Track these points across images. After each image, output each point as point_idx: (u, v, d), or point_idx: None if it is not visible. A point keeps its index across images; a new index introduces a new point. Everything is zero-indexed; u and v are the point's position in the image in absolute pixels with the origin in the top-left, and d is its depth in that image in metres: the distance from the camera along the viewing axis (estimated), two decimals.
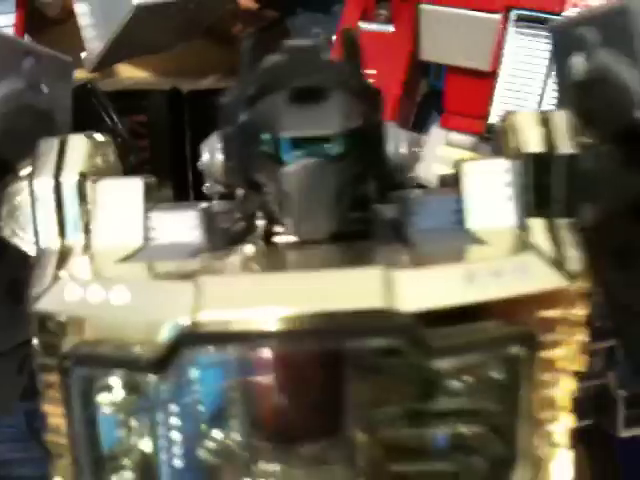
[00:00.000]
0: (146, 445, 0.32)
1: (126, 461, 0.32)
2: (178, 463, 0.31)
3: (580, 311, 0.33)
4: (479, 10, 0.59)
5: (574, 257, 0.33)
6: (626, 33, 0.35)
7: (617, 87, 0.36)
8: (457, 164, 0.36)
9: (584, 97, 0.39)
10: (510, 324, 0.31)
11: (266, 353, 0.30)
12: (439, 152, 0.64)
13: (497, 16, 0.58)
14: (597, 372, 0.48)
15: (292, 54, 0.33)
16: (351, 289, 0.30)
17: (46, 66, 0.44)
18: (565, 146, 0.35)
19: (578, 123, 0.36)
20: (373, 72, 0.61)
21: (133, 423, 0.32)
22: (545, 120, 0.36)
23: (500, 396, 0.31)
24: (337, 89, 0.33)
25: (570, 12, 0.55)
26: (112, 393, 0.31)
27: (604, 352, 0.47)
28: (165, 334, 0.30)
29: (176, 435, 0.31)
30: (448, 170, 0.38)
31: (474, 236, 0.35)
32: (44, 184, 0.36)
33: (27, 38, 0.62)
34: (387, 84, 0.62)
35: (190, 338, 0.30)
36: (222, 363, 0.31)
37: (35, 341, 0.33)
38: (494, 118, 0.58)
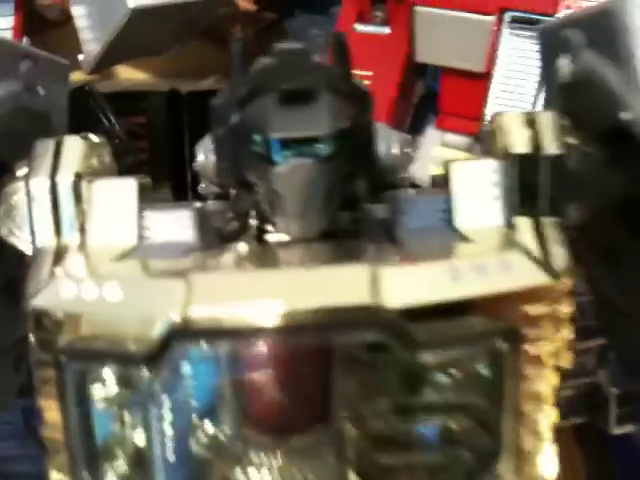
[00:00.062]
0: (139, 438, 0.32)
1: (120, 454, 0.33)
2: (171, 456, 0.32)
3: (565, 308, 0.33)
4: (473, 12, 0.59)
5: (559, 255, 0.33)
6: (610, 35, 0.36)
7: (602, 89, 0.36)
8: (446, 164, 0.37)
9: (570, 98, 0.39)
10: (494, 320, 0.31)
11: (256, 348, 0.31)
12: (434, 153, 0.64)
13: (491, 18, 0.58)
14: (589, 370, 0.48)
15: (282, 57, 0.33)
16: (339, 285, 0.30)
17: (43, 69, 0.44)
18: (551, 146, 0.36)
19: (564, 124, 0.37)
20: (369, 74, 0.62)
21: (127, 417, 0.32)
22: (531, 121, 0.36)
23: (485, 390, 0.32)
24: (326, 91, 0.33)
25: (564, 14, 0.55)
26: (106, 387, 0.32)
27: (596, 350, 0.48)
28: (157, 330, 0.31)
29: (169, 429, 0.32)
30: (440, 171, 0.38)
31: (461, 235, 0.35)
32: (40, 184, 0.37)
33: (26, 40, 0.62)
34: (383, 86, 0.62)
35: (181, 333, 0.30)
36: (213, 357, 0.31)
37: (31, 338, 0.34)
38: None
